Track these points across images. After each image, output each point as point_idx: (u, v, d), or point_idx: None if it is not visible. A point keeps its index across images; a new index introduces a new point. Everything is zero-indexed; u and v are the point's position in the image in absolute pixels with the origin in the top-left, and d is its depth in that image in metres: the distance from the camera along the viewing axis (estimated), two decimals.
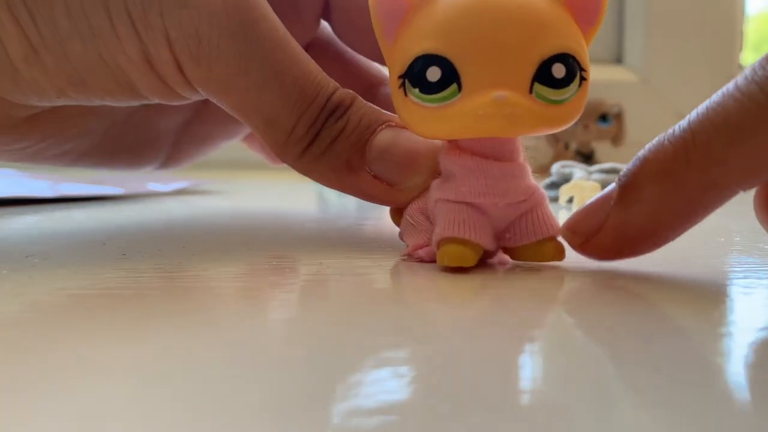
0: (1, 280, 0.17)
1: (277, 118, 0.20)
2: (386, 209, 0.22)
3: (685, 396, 0.10)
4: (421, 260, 0.19)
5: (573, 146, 0.65)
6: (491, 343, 0.12)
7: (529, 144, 0.19)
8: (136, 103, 0.21)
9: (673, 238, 0.17)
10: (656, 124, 0.70)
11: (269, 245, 0.23)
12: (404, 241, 0.21)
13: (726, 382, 0.11)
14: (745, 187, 0.16)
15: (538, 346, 0.13)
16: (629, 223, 0.17)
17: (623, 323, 0.14)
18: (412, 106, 0.17)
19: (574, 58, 0.17)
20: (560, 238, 0.19)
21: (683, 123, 0.16)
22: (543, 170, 0.47)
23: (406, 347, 0.12)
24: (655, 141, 0.16)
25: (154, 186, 0.43)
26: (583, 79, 0.17)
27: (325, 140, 0.20)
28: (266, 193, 0.47)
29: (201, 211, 0.35)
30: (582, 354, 0.12)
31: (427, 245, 0.19)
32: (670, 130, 0.16)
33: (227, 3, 0.19)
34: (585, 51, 0.17)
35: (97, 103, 0.20)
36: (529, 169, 0.19)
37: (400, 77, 0.17)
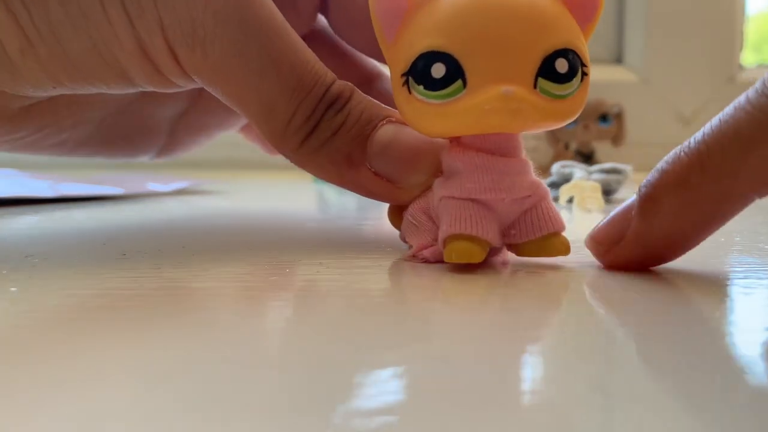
0: (1, 280, 0.17)
1: (274, 107, 0.20)
2: (386, 208, 0.22)
3: (686, 397, 0.10)
4: (426, 261, 0.19)
5: (573, 146, 0.65)
6: (492, 344, 0.12)
7: (529, 144, 0.20)
8: (131, 90, 0.21)
9: (693, 247, 0.18)
10: (656, 124, 0.71)
11: (269, 245, 0.23)
12: (406, 243, 0.20)
13: (726, 382, 0.11)
14: (761, 195, 0.16)
15: (538, 346, 0.13)
16: (650, 234, 0.17)
17: (623, 324, 0.14)
18: (416, 104, 0.17)
19: (575, 53, 0.17)
20: (565, 233, 0.19)
21: (698, 135, 0.17)
22: (543, 170, 0.47)
23: (407, 347, 0.12)
24: (672, 153, 0.17)
25: (154, 186, 0.43)
26: (584, 74, 0.17)
27: (324, 132, 0.20)
28: (266, 193, 0.46)
29: (201, 211, 0.35)
30: (582, 355, 0.12)
31: (431, 245, 0.19)
32: (686, 143, 0.17)
33: None
34: (585, 46, 0.17)
35: (93, 91, 0.20)
36: (531, 165, 0.19)
37: (403, 75, 0.17)
